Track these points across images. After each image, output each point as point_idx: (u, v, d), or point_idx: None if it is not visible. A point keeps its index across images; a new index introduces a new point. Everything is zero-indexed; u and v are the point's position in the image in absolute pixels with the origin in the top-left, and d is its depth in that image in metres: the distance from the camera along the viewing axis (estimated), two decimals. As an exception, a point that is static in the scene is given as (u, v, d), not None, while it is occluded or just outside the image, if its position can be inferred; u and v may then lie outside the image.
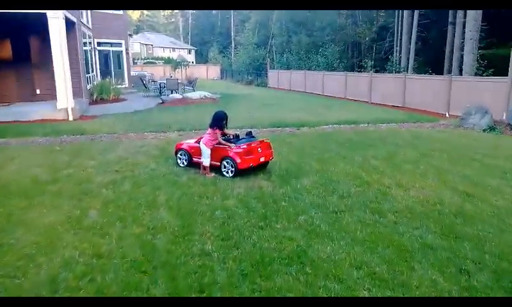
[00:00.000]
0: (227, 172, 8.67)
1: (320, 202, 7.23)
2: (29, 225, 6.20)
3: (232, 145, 8.60)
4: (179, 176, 8.70)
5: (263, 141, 9.01)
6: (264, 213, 6.68)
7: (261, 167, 9.00)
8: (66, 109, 16.80)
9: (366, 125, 15.55)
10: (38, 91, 19.86)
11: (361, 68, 29.18)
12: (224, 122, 8.72)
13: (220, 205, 7.04)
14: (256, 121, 15.90)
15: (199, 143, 8.96)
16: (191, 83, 27.90)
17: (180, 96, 23.17)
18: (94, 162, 9.89)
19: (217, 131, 8.57)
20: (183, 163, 9.47)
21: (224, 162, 8.68)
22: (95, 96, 22.09)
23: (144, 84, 25.95)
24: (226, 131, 8.95)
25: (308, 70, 32.12)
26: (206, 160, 8.68)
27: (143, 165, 9.66)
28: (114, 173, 9.00)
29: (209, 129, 8.68)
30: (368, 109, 20.39)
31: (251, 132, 9.31)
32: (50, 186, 8.02)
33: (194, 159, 9.22)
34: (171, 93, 24.42)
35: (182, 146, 9.50)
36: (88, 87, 21.97)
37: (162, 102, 21.77)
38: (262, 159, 8.81)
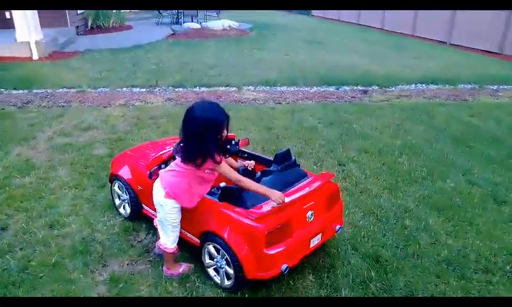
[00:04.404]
0: (216, 272, 2.97)
1: None
2: None
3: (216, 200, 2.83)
4: (90, 278, 3.09)
5: (320, 183, 3.06)
6: None
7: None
8: (29, 44, 11.16)
9: (468, 86, 9.07)
10: (8, 16, 14.12)
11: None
12: (224, 133, 2.67)
13: None
14: (297, 72, 9.74)
15: (161, 167, 3.26)
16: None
17: (198, 26, 16.93)
18: None
19: (211, 164, 2.65)
20: (124, 209, 3.82)
21: (210, 248, 2.94)
22: (89, 23, 16.22)
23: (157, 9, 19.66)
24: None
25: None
26: (166, 239, 2.98)
27: (41, 204, 4.09)
28: None
29: (183, 163, 2.74)
30: (454, 56, 13.52)
31: (288, 151, 3.31)
32: None
33: (146, 208, 3.56)
34: (191, 21, 18.18)
35: (120, 172, 3.74)
36: (80, 11, 16.03)
37: (174, 33, 15.69)
38: (316, 241, 2.97)
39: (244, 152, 3.83)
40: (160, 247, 3.00)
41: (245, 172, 3.00)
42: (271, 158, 3.34)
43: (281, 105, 7.51)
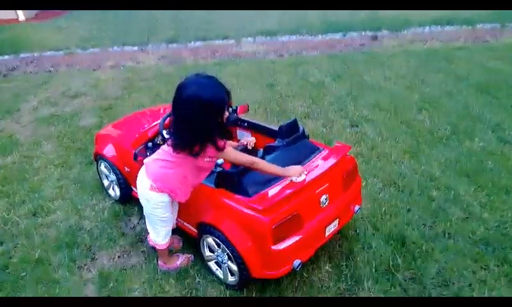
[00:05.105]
0: (218, 266, 2.56)
1: None
2: None
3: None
4: (77, 276, 2.70)
5: (335, 159, 2.54)
6: None
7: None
8: (13, 3, 10.37)
9: (488, 25, 8.25)
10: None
11: None
12: (226, 114, 2.12)
13: None
14: (298, 18, 8.95)
15: (148, 146, 2.81)
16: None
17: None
18: None
19: (213, 151, 2.11)
20: (114, 191, 3.39)
21: (209, 240, 2.52)
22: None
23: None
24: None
25: None
26: (155, 235, 2.53)
27: (25, 188, 3.68)
28: None
29: (175, 152, 2.16)
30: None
31: (295, 122, 2.80)
32: None
33: (136, 191, 3.11)
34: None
35: (105, 151, 3.27)
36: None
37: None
38: (332, 228, 2.51)
39: (243, 121, 3.32)
40: (150, 243, 2.59)
41: (245, 151, 2.49)
42: (277, 127, 2.84)
43: (284, 58, 6.88)
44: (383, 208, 3.05)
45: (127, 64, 6.84)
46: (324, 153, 2.65)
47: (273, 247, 2.23)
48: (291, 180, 2.31)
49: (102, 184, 3.49)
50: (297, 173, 2.31)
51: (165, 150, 2.27)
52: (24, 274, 2.76)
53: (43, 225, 3.22)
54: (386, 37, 7.72)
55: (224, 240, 2.35)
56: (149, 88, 5.69)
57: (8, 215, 3.34)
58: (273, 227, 2.20)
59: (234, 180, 2.36)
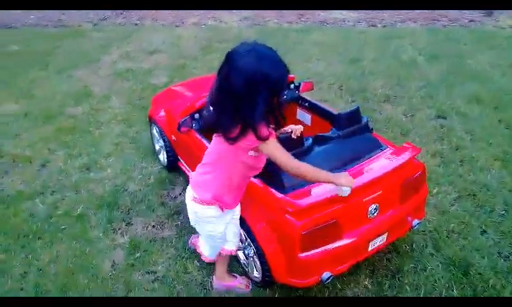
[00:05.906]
0: (245, 257, 2.36)
1: None
2: None
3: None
4: (110, 238, 2.73)
5: (397, 163, 2.13)
6: None
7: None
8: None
9: None
10: None
11: None
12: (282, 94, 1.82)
13: None
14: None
15: (194, 117, 2.69)
16: None
17: None
18: None
19: (253, 140, 1.69)
20: (164, 157, 3.34)
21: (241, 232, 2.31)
22: None
23: None
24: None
25: None
26: (203, 245, 2.27)
27: (86, 140, 3.83)
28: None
29: (209, 150, 1.94)
30: None
31: (357, 111, 2.37)
32: None
33: (181, 162, 3.06)
34: None
35: (156, 116, 3.21)
36: None
37: None
38: (378, 243, 2.15)
39: (305, 100, 3.00)
40: (198, 248, 2.34)
41: (288, 140, 2.19)
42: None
43: (376, 29, 6.24)
44: (452, 225, 2.57)
45: (209, 22, 6.75)
46: (387, 153, 2.27)
47: (300, 255, 1.96)
48: (336, 193, 1.88)
49: (154, 148, 3.48)
50: (350, 183, 1.85)
51: (205, 153, 1.97)
52: (63, 227, 2.86)
53: (92, 181, 3.30)
54: (504, 14, 6.57)
55: (250, 234, 2.14)
56: (225, 51, 5.50)
57: (64, 165, 3.50)
58: (303, 233, 1.92)
59: (270, 169, 2.08)
